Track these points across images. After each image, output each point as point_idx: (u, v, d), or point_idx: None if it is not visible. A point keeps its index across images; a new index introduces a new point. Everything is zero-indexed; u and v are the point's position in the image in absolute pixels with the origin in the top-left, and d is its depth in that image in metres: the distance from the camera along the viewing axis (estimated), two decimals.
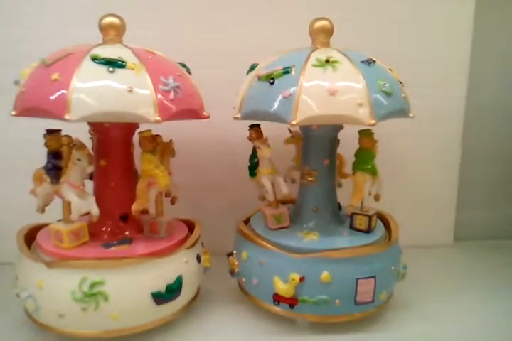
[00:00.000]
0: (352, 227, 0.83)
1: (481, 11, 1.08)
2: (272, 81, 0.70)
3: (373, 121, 0.68)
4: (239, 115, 0.75)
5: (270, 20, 1.02)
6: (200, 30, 1.00)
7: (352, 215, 0.82)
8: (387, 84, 0.71)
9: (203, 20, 1.00)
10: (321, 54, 0.72)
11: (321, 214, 0.84)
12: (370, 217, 0.80)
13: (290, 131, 0.91)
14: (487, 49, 1.15)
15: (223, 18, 1.01)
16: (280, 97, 0.69)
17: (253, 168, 0.84)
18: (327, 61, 0.70)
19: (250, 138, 0.83)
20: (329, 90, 0.67)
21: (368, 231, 0.81)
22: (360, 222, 0.81)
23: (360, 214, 0.81)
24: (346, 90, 0.68)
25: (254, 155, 0.84)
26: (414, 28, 1.06)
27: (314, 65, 0.70)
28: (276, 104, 0.69)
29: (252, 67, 0.78)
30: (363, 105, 0.68)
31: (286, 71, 0.70)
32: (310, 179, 0.82)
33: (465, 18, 1.07)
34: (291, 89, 0.68)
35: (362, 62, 0.72)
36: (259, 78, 0.72)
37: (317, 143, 0.83)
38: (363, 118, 0.68)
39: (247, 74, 0.79)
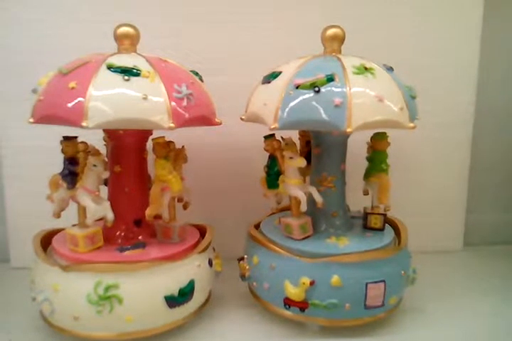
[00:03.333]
0: (367, 227, 0.86)
1: (490, 15, 1.08)
2: (317, 89, 0.69)
3: (412, 124, 0.72)
4: (276, 125, 0.70)
5: (278, 29, 1.03)
6: (211, 39, 1.01)
7: (367, 215, 0.86)
8: (412, 89, 0.75)
9: (214, 29, 1.02)
10: (352, 61, 0.73)
11: (340, 219, 0.85)
12: (384, 216, 0.84)
13: (283, 138, 0.88)
14: (496, 53, 1.16)
15: (233, 28, 1.02)
16: (331, 105, 0.68)
17: (275, 179, 0.82)
18: (365, 68, 0.71)
19: (272, 149, 0.82)
20: (377, 96, 0.69)
21: (383, 229, 0.84)
22: (376, 221, 0.85)
23: (375, 214, 0.85)
24: (390, 96, 0.71)
25: (273, 165, 0.82)
26: (422, 33, 1.07)
27: (355, 72, 0.70)
28: (327, 113, 0.68)
29: (275, 76, 0.76)
30: (403, 109, 0.71)
31: (330, 78, 0.69)
32: (330, 185, 0.82)
33: (473, 22, 1.07)
34: (342, 97, 0.68)
35: (387, 69, 0.75)
36: (300, 86, 0.70)
37: (335, 148, 0.83)
38: (405, 122, 0.71)
39: (269, 82, 0.76)
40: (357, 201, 0.90)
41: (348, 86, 0.69)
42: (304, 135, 0.90)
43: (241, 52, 1.03)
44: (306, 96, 0.70)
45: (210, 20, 1.01)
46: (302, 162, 0.77)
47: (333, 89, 0.69)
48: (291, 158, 0.77)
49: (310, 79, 0.70)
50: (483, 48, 1.09)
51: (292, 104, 0.70)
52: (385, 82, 0.72)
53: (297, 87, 0.70)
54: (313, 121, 0.69)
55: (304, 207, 0.78)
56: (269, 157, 0.84)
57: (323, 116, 0.68)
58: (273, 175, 0.82)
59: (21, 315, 0.83)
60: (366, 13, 1.05)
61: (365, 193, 0.91)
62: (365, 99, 0.69)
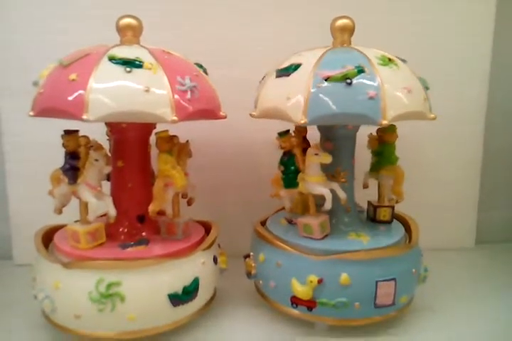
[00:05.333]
0: (376, 220, 0.86)
1: (503, 8, 1.06)
2: (349, 81, 0.66)
3: (433, 115, 0.72)
4: (306, 120, 0.67)
5: (280, 22, 1.01)
6: (216, 31, 1.00)
7: (376, 208, 0.86)
8: (425, 81, 0.74)
9: (220, 21, 1.00)
10: (372, 52, 0.71)
11: (353, 214, 0.83)
12: (393, 208, 0.85)
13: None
14: (509, 46, 1.13)
15: (239, 19, 1.01)
16: (365, 97, 0.66)
17: (293, 177, 0.78)
18: (389, 59, 0.70)
19: (290, 146, 0.78)
20: (406, 88, 0.69)
21: (391, 221, 0.85)
22: (385, 214, 0.85)
23: (384, 207, 0.85)
24: (415, 87, 0.70)
25: (290, 163, 0.78)
26: (435, 28, 1.05)
27: (380, 64, 0.69)
28: (361, 105, 0.66)
29: (294, 68, 0.72)
30: (426, 100, 0.72)
31: (360, 70, 0.67)
32: (343, 180, 0.78)
33: (486, 17, 1.05)
34: (375, 89, 0.66)
35: (402, 60, 0.74)
36: (329, 79, 0.67)
37: (347, 142, 0.81)
38: (427, 113, 0.72)
39: (288, 75, 0.72)
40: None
41: (379, 77, 0.67)
42: (301, 130, 0.86)
43: (246, 45, 1.01)
44: (338, 88, 0.67)
45: (215, 12, 1.00)
46: (329, 158, 0.74)
47: (365, 81, 0.67)
48: (316, 154, 0.74)
49: (340, 71, 0.67)
50: (495, 41, 1.07)
51: (323, 97, 0.67)
52: (408, 73, 0.72)
53: (326, 80, 0.67)
54: (347, 114, 0.67)
55: (329, 205, 0.75)
56: (285, 154, 0.80)
57: (358, 109, 0.66)
58: (291, 174, 0.79)
59: (24, 313, 0.82)
60: (374, 5, 1.02)
61: (365, 186, 0.90)
62: (396, 91, 0.68)
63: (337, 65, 0.68)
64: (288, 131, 0.79)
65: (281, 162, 0.80)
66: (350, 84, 0.66)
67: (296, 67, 0.72)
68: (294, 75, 0.72)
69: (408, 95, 0.68)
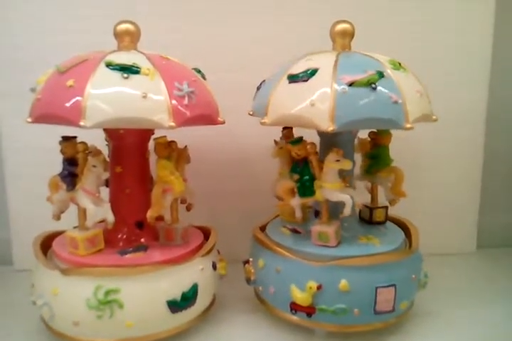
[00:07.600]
0: (372, 221, 0.87)
1: (502, 8, 1.06)
2: (374, 86, 0.66)
3: (435, 117, 0.74)
4: (334, 126, 0.65)
5: (285, 24, 1.01)
6: (214, 36, 1.00)
7: (372, 210, 0.87)
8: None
9: (218, 25, 1.00)
10: (380, 57, 0.72)
11: (357, 218, 0.84)
12: (387, 208, 0.87)
13: (276, 142, 0.85)
14: (509, 48, 1.13)
15: (238, 23, 1.00)
16: (389, 102, 0.66)
17: (310, 185, 0.75)
18: (399, 64, 0.72)
19: (306, 153, 0.75)
20: (418, 91, 0.71)
21: (385, 222, 0.87)
22: (380, 215, 0.87)
23: (379, 208, 0.87)
24: (422, 90, 0.72)
25: (306, 171, 0.76)
26: (435, 29, 1.04)
27: (393, 68, 0.70)
28: (387, 110, 0.66)
29: (312, 73, 0.69)
30: (430, 103, 0.74)
31: (381, 75, 0.67)
32: (348, 185, 0.77)
33: (486, 17, 1.05)
34: (397, 93, 0.67)
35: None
36: (354, 83, 0.66)
37: (348, 147, 0.80)
38: (432, 115, 0.74)
39: (306, 80, 0.69)
40: None
41: (397, 82, 0.68)
42: (288, 136, 0.85)
43: (245, 50, 1.00)
44: (364, 93, 0.66)
45: (213, 16, 1.00)
46: (350, 164, 0.73)
47: (387, 85, 0.67)
48: (337, 160, 0.73)
49: (363, 76, 0.67)
50: (495, 42, 1.06)
51: (351, 102, 0.66)
52: (414, 77, 0.73)
53: (351, 85, 0.66)
54: (374, 119, 0.66)
55: (348, 211, 0.74)
56: (298, 162, 0.77)
57: (385, 113, 0.67)
58: (308, 182, 0.76)
59: (24, 318, 0.82)
60: (373, 6, 1.02)
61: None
62: (412, 95, 0.69)
63: (357, 69, 0.68)
64: (301, 138, 0.77)
65: (295, 170, 0.77)
66: (375, 88, 0.66)
67: (313, 71, 0.70)
68: (313, 80, 0.69)
69: (420, 98, 0.70)
